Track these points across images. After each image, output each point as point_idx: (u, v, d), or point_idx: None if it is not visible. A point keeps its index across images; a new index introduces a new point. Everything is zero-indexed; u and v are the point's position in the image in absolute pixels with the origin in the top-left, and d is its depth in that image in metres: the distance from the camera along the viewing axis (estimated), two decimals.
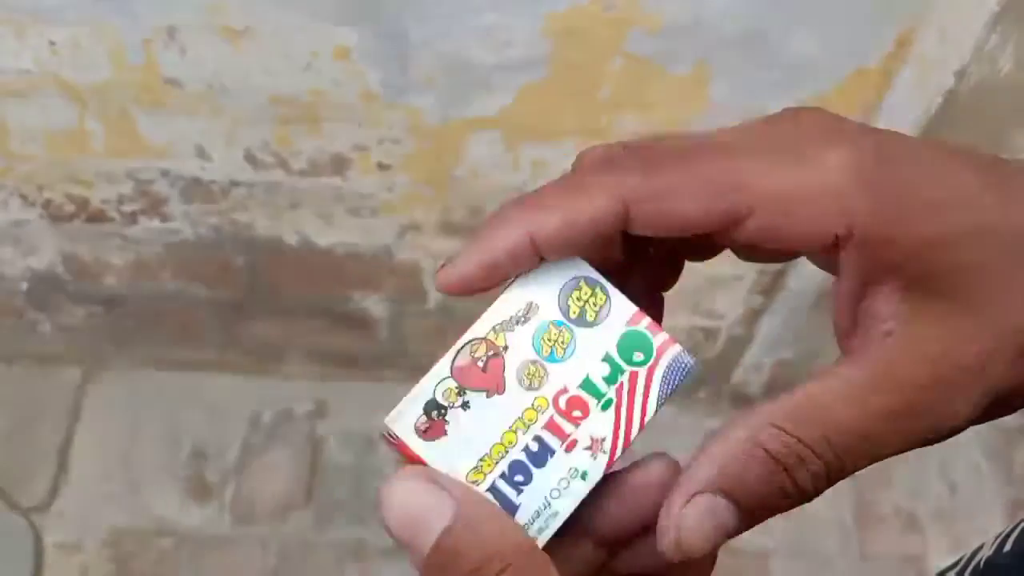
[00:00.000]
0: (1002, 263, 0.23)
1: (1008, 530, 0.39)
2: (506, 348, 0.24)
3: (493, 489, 0.23)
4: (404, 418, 0.24)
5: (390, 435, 0.24)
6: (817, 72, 0.83)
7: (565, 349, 0.24)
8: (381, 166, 0.94)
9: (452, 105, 0.86)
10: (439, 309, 1.16)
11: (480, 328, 0.24)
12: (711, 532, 0.23)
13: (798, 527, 1.23)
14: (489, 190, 0.96)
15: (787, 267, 1.07)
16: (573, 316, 0.25)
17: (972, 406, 0.23)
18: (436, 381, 0.24)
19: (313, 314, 1.18)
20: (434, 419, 0.24)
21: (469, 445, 0.23)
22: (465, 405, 0.24)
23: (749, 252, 0.26)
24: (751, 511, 0.23)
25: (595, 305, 0.25)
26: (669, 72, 0.82)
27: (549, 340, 0.24)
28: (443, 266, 0.24)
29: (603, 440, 0.24)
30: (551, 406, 0.24)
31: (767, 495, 0.23)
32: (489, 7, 0.77)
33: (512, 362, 0.24)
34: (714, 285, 1.10)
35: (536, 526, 0.23)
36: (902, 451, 0.23)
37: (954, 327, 0.23)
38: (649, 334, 0.25)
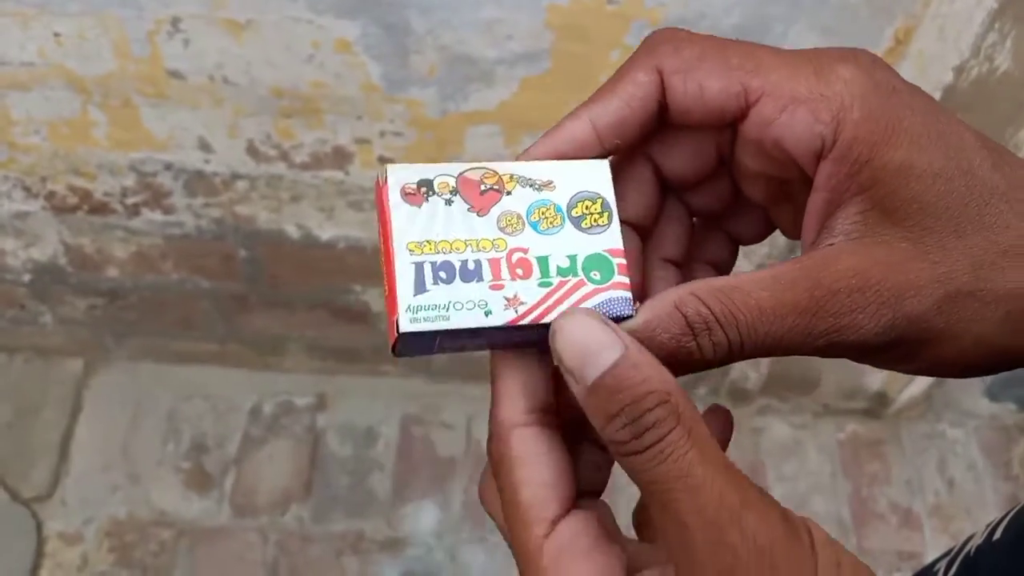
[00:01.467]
0: (965, 209, 0.24)
1: (998, 519, 0.40)
2: (508, 193, 0.27)
3: (418, 266, 0.26)
4: (401, 174, 0.26)
5: (382, 178, 0.26)
6: None
7: (548, 228, 0.27)
8: (383, 159, 0.94)
9: (453, 98, 0.87)
10: None
11: (503, 167, 0.27)
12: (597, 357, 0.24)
13: None
14: None
15: None
16: (573, 214, 0.27)
17: (874, 327, 0.24)
18: (441, 172, 0.26)
19: (314, 307, 1.19)
20: (420, 192, 0.26)
21: (427, 226, 0.26)
22: (448, 202, 0.26)
23: (755, 165, 0.28)
24: (662, 362, 0.25)
25: (595, 220, 0.27)
26: None
27: (542, 214, 0.27)
28: (518, 157, 0.27)
29: (522, 304, 0.26)
30: (505, 251, 0.26)
31: (674, 351, 0.25)
32: (491, 0, 0.78)
33: (504, 204, 0.27)
34: None
35: (421, 314, 0.25)
36: (803, 350, 0.25)
37: (892, 254, 0.24)
38: (616, 267, 0.27)
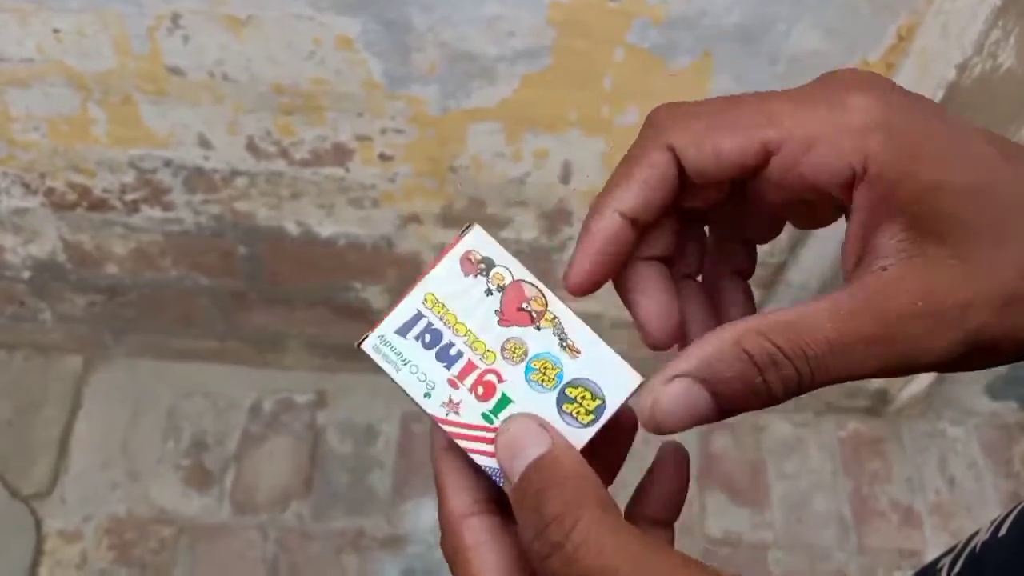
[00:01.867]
0: (1001, 219, 0.25)
1: (1003, 515, 0.39)
2: (538, 328, 0.28)
3: (418, 315, 0.27)
4: (478, 241, 0.28)
5: (463, 232, 0.28)
6: (819, 65, 0.83)
7: (536, 381, 0.27)
8: (383, 156, 0.94)
9: (454, 95, 0.86)
10: None
11: (555, 304, 0.28)
12: (684, 412, 0.25)
13: (797, 520, 1.24)
14: (491, 181, 0.97)
15: (788, 260, 1.07)
16: (566, 393, 0.27)
17: (947, 345, 0.25)
18: (507, 264, 0.28)
19: (314, 304, 1.18)
20: (477, 267, 0.28)
21: (455, 295, 0.27)
22: (488, 292, 0.28)
23: (779, 197, 0.28)
24: (724, 403, 0.25)
25: (577, 413, 0.27)
26: (671, 63, 0.82)
27: (544, 368, 0.27)
28: (565, 274, 0.28)
29: (456, 414, 0.27)
30: (487, 366, 0.27)
31: (740, 392, 0.25)
32: None
33: (525, 333, 0.28)
34: None
35: (385, 350, 0.27)
36: (873, 375, 0.25)
37: (945, 270, 0.25)
38: None
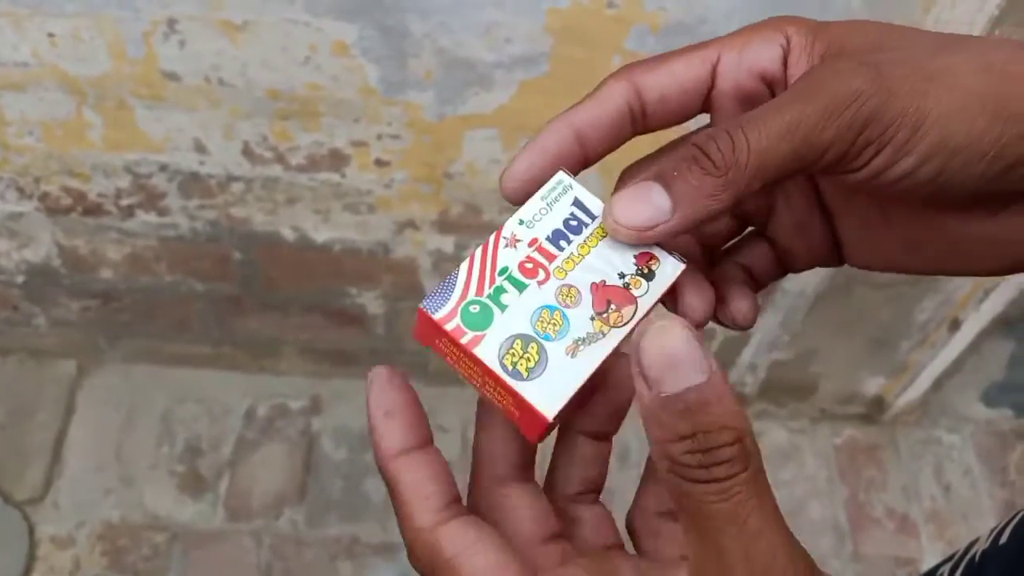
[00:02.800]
0: (912, 40, 0.27)
1: (1003, 524, 0.39)
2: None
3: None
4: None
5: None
6: None
7: (556, 328, 0.27)
8: (379, 162, 0.94)
9: (451, 101, 0.86)
10: None
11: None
12: (639, 204, 0.26)
13: (792, 527, 1.23)
14: (487, 188, 0.96)
15: None
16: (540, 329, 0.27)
17: (836, 132, 0.25)
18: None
19: (309, 310, 1.18)
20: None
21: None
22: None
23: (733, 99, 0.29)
24: (676, 191, 0.26)
25: (528, 361, 0.26)
26: None
27: (544, 320, 0.27)
28: (504, 171, 0.29)
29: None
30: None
31: (681, 166, 0.25)
32: (490, 3, 0.77)
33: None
34: None
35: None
36: (790, 161, 0.25)
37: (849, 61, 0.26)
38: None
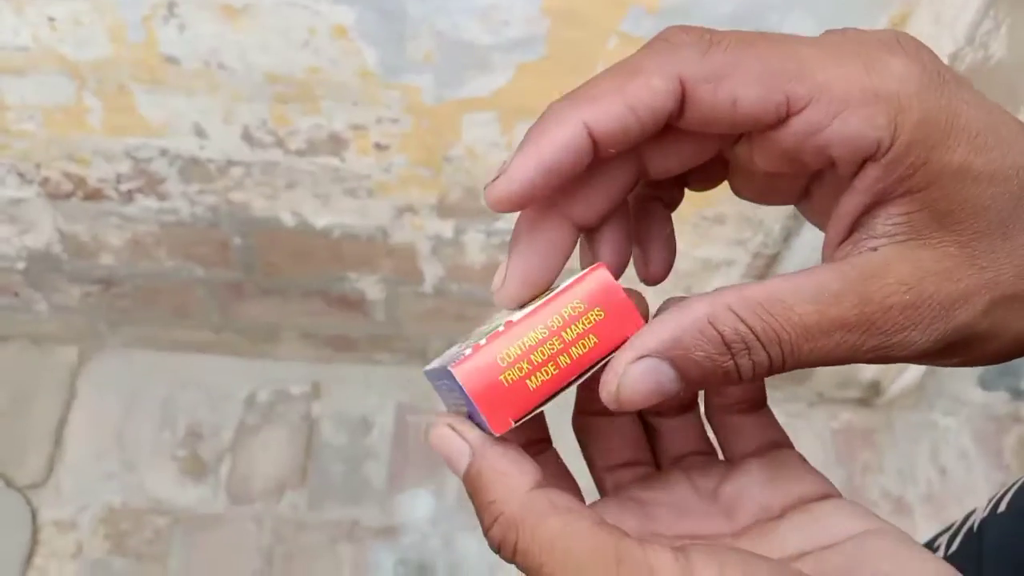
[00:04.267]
0: (1013, 214, 0.23)
1: (1001, 493, 0.40)
2: None
3: None
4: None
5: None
6: None
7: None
8: (378, 146, 0.94)
9: (449, 84, 0.87)
10: (435, 292, 1.16)
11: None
12: (649, 391, 0.23)
13: None
14: (485, 171, 0.97)
15: (781, 252, 1.08)
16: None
17: (929, 342, 0.23)
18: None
19: (309, 295, 1.19)
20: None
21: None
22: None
23: (763, 162, 0.25)
24: (691, 382, 0.24)
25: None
26: None
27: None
28: (495, 179, 0.24)
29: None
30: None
31: (708, 372, 0.23)
32: None
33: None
34: (707, 269, 1.11)
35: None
36: (845, 363, 0.24)
37: (942, 261, 0.23)
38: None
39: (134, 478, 1.19)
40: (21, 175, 1.00)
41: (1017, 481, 0.40)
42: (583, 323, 0.25)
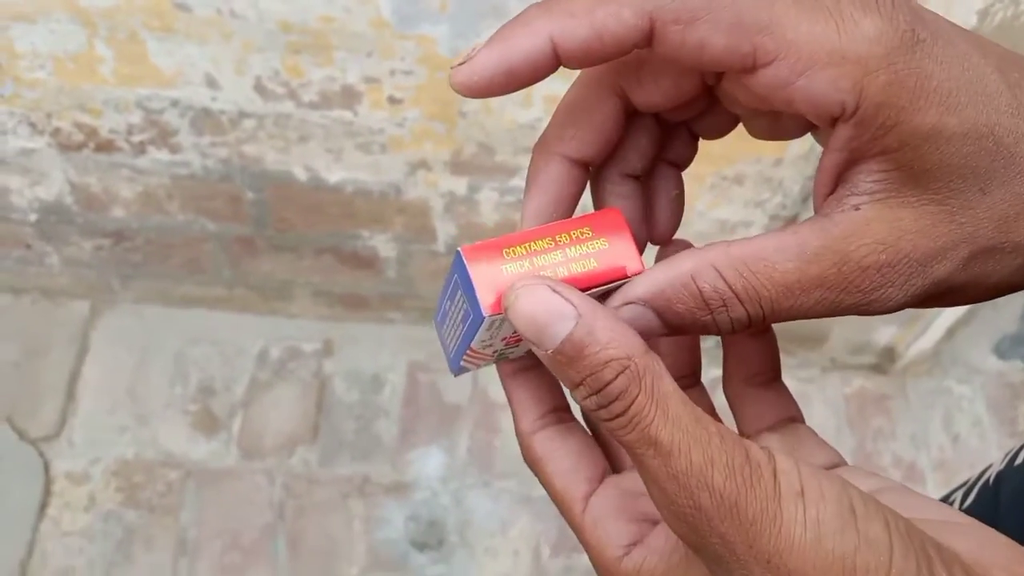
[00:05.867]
0: (990, 167, 0.23)
1: (1018, 447, 0.39)
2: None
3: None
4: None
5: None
6: None
7: None
8: (392, 100, 0.93)
9: (464, 35, 0.85)
10: (448, 250, 1.15)
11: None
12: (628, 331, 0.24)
13: None
14: (500, 127, 0.96)
15: (800, 213, 1.07)
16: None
17: (907, 296, 0.24)
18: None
19: (321, 252, 1.18)
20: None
21: None
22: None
23: (748, 102, 0.25)
24: (672, 328, 0.25)
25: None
26: None
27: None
28: (460, 63, 0.24)
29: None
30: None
31: (688, 323, 0.25)
32: None
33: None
34: (724, 231, 1.10)
35: None
36: (825, 317, 0.25)
37: (920, 219, 0.23)
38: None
39: (146, 431, 1.20)
40: (32, 125, 0.99)
41: None
42: (587, 247, 0.26)
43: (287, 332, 1.28)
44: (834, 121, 0.23)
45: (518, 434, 0.29)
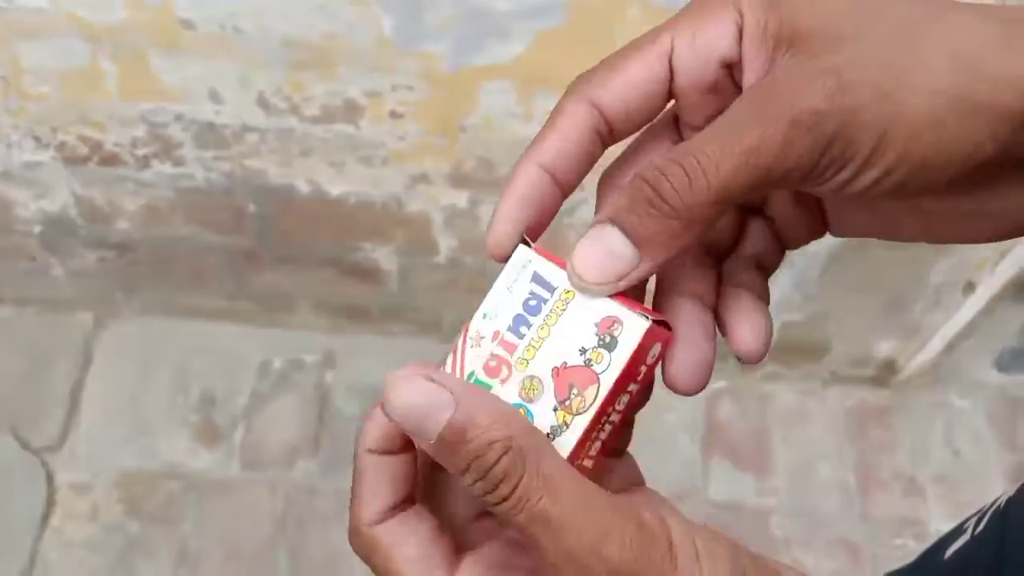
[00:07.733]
0: (858, 21, 0.24)
1: None
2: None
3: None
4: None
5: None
6: None
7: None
8: (394, 114, 0.94)
9: (466, 52, 0.86)
10: (449, 263, 1.16)
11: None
12: (601, 258, 0.25)
13: (801, 487, 1.24)
14: (501, 141, 0.96)
15: None
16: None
17: (800, 151, 0.24)
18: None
19: (323, 264, 1.19)
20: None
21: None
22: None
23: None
24: (637, 236, 0.25)
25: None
26: None
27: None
28: (488, 235, 0.27)
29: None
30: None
31: (644, 214, 0.24)
32: None
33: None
34: None
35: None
36: (774, 188, 0.26)
37: (784, 71, 0.25)
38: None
39: (149, 443, 1.20)
40: (37, 139, 1.00)
41: None
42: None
43: (289, 344, 1.28)
44: (739, 38, 0.26)
45: (357, 520, 0.27)
